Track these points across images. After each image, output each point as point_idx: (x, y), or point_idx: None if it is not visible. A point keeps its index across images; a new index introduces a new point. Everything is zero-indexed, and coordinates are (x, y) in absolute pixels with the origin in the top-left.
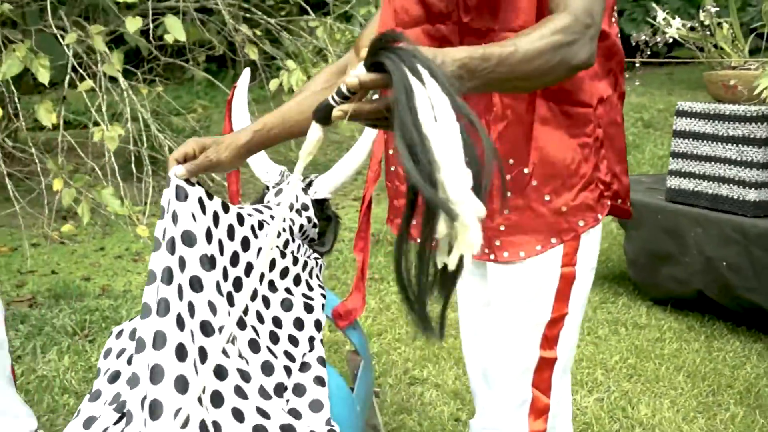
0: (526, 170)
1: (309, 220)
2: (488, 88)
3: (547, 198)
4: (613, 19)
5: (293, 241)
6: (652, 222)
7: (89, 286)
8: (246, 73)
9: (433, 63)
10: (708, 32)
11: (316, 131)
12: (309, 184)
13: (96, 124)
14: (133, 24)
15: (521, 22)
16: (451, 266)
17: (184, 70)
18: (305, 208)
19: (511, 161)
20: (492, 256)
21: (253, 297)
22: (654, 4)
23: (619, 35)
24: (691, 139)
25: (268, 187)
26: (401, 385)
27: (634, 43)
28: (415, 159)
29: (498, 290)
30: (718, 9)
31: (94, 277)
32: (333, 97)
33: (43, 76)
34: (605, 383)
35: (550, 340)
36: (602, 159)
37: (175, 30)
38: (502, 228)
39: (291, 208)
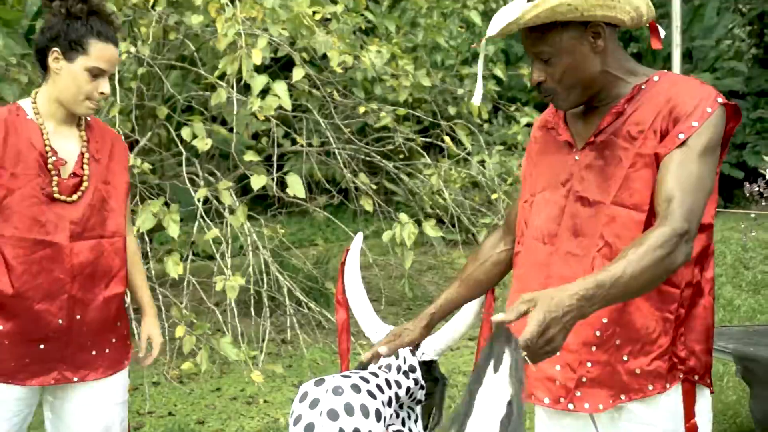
0: (615, 330)
1: (416, 382)
2: (608, 305)
3: (625, 358)
4: (713, 214)
5: (389, 406)
6: None
7: (203, 430)
8: (359, 237)
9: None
10: None
11: None
12: (417, 346)
13: (220, 271)
14: (257, 181)
15: (635, 201)
16: None
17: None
18: (412, 369)
19: (604, 320)
20: (571, 406)
21: None
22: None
23: (713, 228)
24: None
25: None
26: None
27: (748, 194)
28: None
29: None
30: None
31: (208, 420)
32: None
33: (174, 231)
34: None
35: None
36: (680, 336)
37: (295, 188)
38: (584, 380)
39: (399, 370)
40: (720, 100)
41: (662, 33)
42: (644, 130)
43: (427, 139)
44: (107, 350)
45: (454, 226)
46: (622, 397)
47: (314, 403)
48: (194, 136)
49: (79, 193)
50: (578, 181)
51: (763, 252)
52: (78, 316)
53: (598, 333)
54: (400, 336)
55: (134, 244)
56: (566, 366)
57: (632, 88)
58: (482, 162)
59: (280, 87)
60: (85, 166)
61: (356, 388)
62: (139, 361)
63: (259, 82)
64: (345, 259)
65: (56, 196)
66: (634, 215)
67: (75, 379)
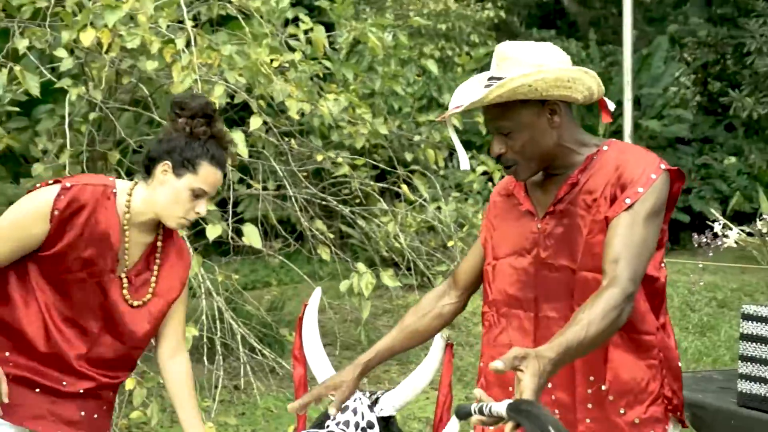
0: (603, 387)
1: None
2: (570, 362)
3: (621, 411)
4: (662, 264)
5: None
6: (725, 428)
7: None
8: (317, 292)
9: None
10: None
11: (454, 425)
12: (375, 401)
13: None
14: (213, 231)
15: (599, 264)
16: None
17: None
18: (371, 426)
19: (591, 378)
20: None
21: None
22: (713, 210)
23: (666, 277)
24: (759, 344)
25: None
26: None
27: (696, 245)
28: None
29: None
30: None
31: None
32: (476, 409)
33: None
34: None
35: None
36: (664, 378)
37: (251, 238)
38: None
39: (357, 426)
40: (663, 166)
41: (611, 106)
42: (597, 198)
43: (383, 185)
44: (95, 416)
45: (410, 270)
46: None
47: None
48: None
49: (142, 301)
50: (543, 248)
51: (709, 295)
52: (81, 390)
53: (590, 390)
54: (338, 389)
55: (188, 364)
56: (567, 424)
57: (585, 159)
58: (438, 208)
59: (237, 136)
60: (153, 278)
61: None
62: None
63: (239, 138)
64: (302, 314)
65: (127, 299)
66: (599, 278)
67: None
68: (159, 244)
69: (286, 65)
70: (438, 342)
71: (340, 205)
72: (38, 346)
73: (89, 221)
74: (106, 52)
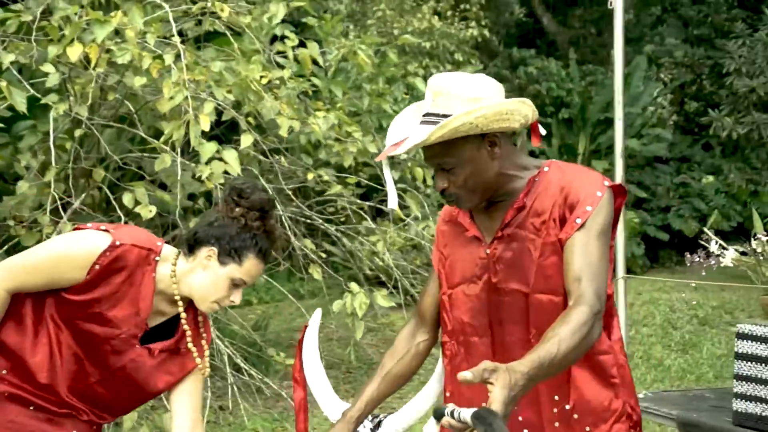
0: (567, 406)
1: None
2: (544, 379)
3: (587, 429)
4: (612, 281)
5: None
6: None
7: None
8: (317, 314)
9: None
10: (762, 257)
11: (432, 426)
12: (378, 425)
13: None
14: None
15: (551, 286)
16: None
17: None
18: None
19: (556, 397)
20: None
21: None
22: (705, 229)
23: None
24: (754, 363)
25: None
26: None
27: (688, 264)
28: None
29: None
30: None
31: None
32: (448, 412)
33: None
34: None
35: None
36: (622, 394)
37: None
38: None
39: None
40: (606, 183)
41: (542, 131)
42: (546, 220)
43: (372, 204)
44: None
45: (396, 288)
46: None
47: None
48: (136, 203)
49: (157, 362)
50: (493, 273)
51: (690, 312)
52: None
53: (555, 410)
54: None
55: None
56: None
57: (527, 182)
58: (427, 226)
59: (230, 155)
60: (177, 347)
61: None
62: None
63: (208, 149)
64: (303, 336)
65: (140, 363)
66: (554, 299)
67: None
68: (183, 315)
69: (276, 82)
70: (440, 366)
71: (325, 224)
72: (37, 376)
73: (125, 282)
74: (94, 67)
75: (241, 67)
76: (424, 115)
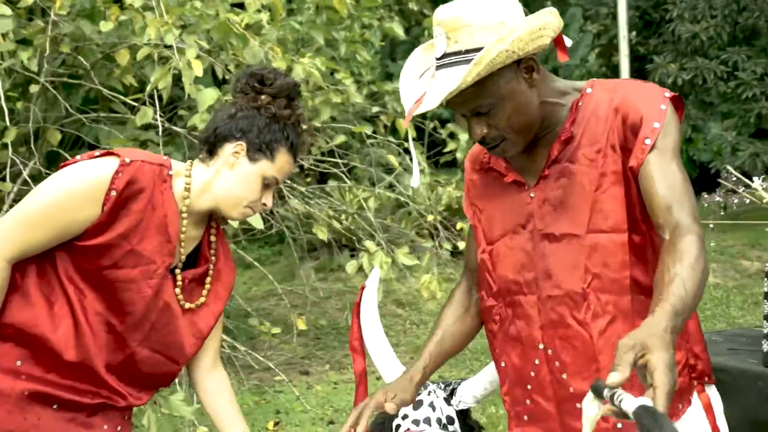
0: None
1: None
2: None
3: None
4: None
5: None
6: (752, 390)
7: None
8: (375, 272)
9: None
10: None
11: (590, 403)
12: (451, 393)
13: None
14: None
15: (611, 223)
16: None
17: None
18: (450, 421)
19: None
20: None
21: None
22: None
23: None
24: None
25: None
26: None
27: (706, 204)
28: None
29: None
30: None
31: None
32: (607, 394)
33: None
34: None
35: None
36: (685, 343)
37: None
38: (619, 426)
39: (439, 423)
40: (667, 94)
41: (568, 42)
42: (601, 148)
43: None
44: (119, 428)
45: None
46: None
47: None
48: None
49: (195, 304)
50: (540, 219)
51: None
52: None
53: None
54: (395, 398)
55: (227, 379)
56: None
57: (570, 109)
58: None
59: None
60: (208, 279)
61: None
62: None
63: (208, 96)
64: (360, 299)
65: (181, 303)
66: (616, 238)
67: None
68: (213, 239)
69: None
70: None
71: (294, 183)
72: (63, 354)
73: (147, 208)
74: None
75: (220, 8)
76: (440, 58)
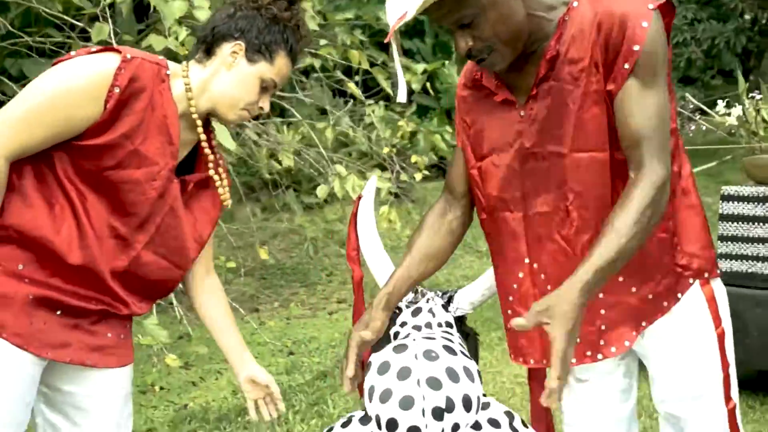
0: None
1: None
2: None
3: (633, 290)
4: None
5: None
6: None
7: None
8: (372, 181)
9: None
10: (744, 119)
11: None
12: (449, 300)
13: None
14: None
15: (593, 143)
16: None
17: None
18: (449, 325)
19: None
20: (600, 356)
21: None
22: (688, 95)
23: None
24: (740, 222)
25: (399, 308)
26: None
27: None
28: None
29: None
30: (761, 97)
31: None
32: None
33: None
34: None
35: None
36: (676, 246)
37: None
38: (603, 327)
39: (439, 326)
40: (651, 6)
41: None
42: (584, 67)
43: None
44: (122, 336)
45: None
46: (643, 323)
47: (404, 373)
48: None
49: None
50: (527, 138)
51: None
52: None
53: None
54: (368, 326)
55: (221, 285)
56: (584, 323)
57: (557, 24)
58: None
59: (203, 13)
60: (208, 182)
61: (450, 350)
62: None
63: (176, 8)
64: (356, 209)
65: (185, 203)
66: (597, 156)
67: (89, 362)
68: (204, 144)
69: None
70: None
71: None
72: (67, 257)
73: (147, 108)
74: None
75: None
76: None
